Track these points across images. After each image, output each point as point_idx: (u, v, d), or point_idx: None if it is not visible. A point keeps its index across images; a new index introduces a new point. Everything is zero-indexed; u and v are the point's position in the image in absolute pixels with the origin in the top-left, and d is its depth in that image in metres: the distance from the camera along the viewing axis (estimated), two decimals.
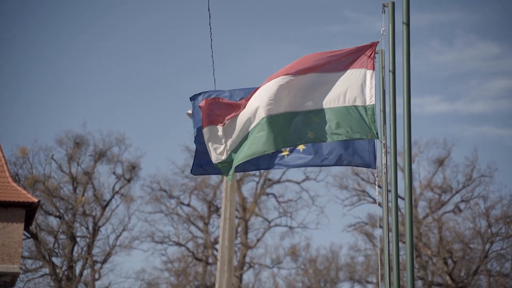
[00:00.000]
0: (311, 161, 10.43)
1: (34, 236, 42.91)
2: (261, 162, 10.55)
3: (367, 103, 10.00)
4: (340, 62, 10.19)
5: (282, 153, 10.47)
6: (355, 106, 10.01)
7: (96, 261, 46.09)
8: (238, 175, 46.49)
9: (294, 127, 10.02)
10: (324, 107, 10.07)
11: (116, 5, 67.40)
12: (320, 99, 10.11)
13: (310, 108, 10.07)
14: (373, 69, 10.10)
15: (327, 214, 68.68)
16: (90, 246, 45.65)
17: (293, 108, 10.06)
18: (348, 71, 10.14)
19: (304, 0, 68.63)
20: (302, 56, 10.32)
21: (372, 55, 10.14)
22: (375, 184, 10.36)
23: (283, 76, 10.11)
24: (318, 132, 9.98)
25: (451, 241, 45.67)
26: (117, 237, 46.71)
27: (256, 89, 10.22)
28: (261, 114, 10.00)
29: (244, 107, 10.15)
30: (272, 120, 9.96)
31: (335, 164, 10.40)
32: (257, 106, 10.05)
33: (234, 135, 10.11)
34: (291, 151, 10.47)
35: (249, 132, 10.08)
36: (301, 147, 10.41)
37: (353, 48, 10.21)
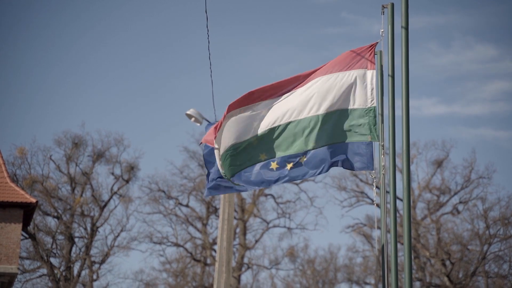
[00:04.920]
0: (309, 170, 9.80)
1: (32, 237, 42.86)
2: (259, 181, 9.85)
3: (368, 105, 9.66)
4: (339, 65, 9.82)
5: (271, 166, 9.83)
6: (355, 108, 9.70)
7: (94, 262, 46.04)
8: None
9: (294, 137, 9.69)
10: (323, 111, 9.72)
11: (115, 7, 67.40)
12: (319, 104, 9.77)
13: (309, 115, 9.74)
14: (374, 69, 9.72)
15: (325, 215, 68.91)
16: (88, 247, 45.60)
17: (292, 117, 9.75)
18: (347, 72, 9.76)
19: (302, 2, 68.62)
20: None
21: (372, 55, 9.76)
22: (374, 185, 10.31)
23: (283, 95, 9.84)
24: (317, 138, 9.67)
25: (449, 242, 45.63)
26: (115, 238, 46.69)
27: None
28: (261, 126, 9.75)
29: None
30: (272, 131, 9.72)
31: (332, 166, 9.92)
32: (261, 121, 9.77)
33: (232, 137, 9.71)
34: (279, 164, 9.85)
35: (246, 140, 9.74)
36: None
37: (354, 49, 9.88)
